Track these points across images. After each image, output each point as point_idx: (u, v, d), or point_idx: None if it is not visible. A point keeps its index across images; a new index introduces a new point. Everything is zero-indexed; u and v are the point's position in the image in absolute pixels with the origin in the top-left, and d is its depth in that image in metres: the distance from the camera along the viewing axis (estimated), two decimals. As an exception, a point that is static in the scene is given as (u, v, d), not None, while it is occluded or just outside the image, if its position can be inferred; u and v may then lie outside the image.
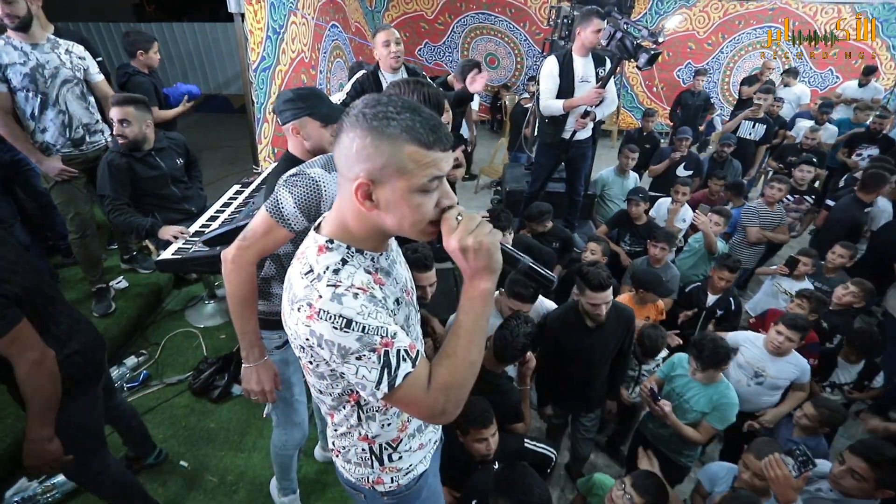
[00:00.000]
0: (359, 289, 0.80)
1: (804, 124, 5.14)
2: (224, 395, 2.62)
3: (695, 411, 2.09)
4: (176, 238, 2.41)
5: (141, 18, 9.83)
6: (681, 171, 4.41)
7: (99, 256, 2.94)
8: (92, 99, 2.66)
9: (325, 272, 0.81)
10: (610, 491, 1.69)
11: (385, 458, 1.07)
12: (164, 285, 3.38)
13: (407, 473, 1.12)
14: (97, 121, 2.69)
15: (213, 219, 2.63)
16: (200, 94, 3.67)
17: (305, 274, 0.83)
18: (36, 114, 2.45)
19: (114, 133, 2.41)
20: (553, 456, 2.03)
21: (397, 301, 0.94)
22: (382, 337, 0.80)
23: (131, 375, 2.68)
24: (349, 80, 2.95)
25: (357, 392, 0.94)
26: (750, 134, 4.73)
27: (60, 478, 2.06)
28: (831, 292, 2.90)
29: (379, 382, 0.81)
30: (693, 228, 3.58)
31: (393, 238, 1.01)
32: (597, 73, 3.33)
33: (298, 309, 0.81)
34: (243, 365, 1.45)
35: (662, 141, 5.23)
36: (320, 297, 0.79)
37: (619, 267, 3.45)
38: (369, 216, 0.82)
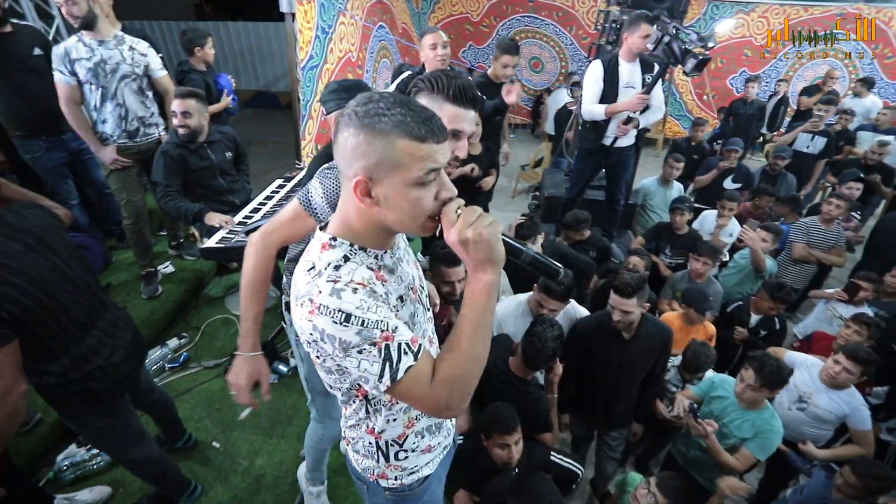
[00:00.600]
0: (358, 284, 0.81)
1: (867, 138, 4.80)
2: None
3: (734, 437, 1.98)
4: (221, 226, 2.52)
5: (200, 17, 10.33)
6: (728, 184, 4.23)
7: (150, 242, 3.08)
8: (150, 94, 2.80)
9: (326, 268, 0.83)
10: (635, 489, 1.66)
11: (391, 454, 1.07)
12: (206, 272, 3.52)
13: (411, 473, 1.12)
14: (152, 114, 2.84)
15: (255, 211, 2.72)
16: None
17: (308, 270, 0.85)
18: (97, 106, 2.61)
19: (176, 124, 2.55)
20: (579, 471, 1.99)
21: (401, 298, 0.94)
22: (383, 331, 0.80)
23: (173, 356, 2.81)
24: (393, 81, 2.99)
25: (363, 387, 0.95)
26: (808, 147, 4.47)
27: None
28: (890, 318, 2.69)
29: (381, 376, 0.81)
30: (740, 243, 3.42)
31: (402, 237, 1.02)
32: (643, 80, 3.24)
33: (301, 304, 0.82)
34: (237, 353, 1.41)
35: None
36: (320, 292, 0.80)
37: (659, 279, 3.34)
38: (371, 213, 0.83)
